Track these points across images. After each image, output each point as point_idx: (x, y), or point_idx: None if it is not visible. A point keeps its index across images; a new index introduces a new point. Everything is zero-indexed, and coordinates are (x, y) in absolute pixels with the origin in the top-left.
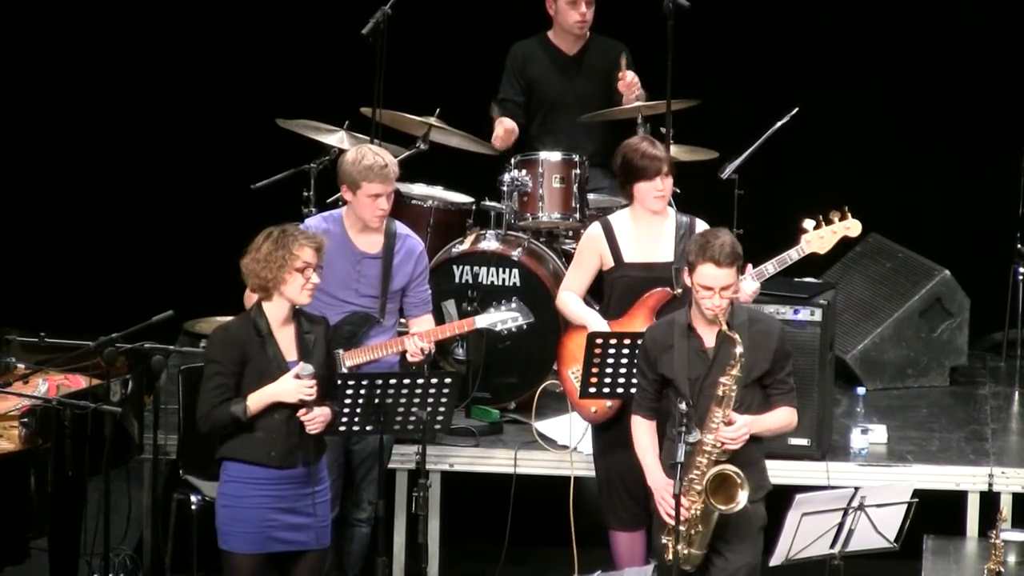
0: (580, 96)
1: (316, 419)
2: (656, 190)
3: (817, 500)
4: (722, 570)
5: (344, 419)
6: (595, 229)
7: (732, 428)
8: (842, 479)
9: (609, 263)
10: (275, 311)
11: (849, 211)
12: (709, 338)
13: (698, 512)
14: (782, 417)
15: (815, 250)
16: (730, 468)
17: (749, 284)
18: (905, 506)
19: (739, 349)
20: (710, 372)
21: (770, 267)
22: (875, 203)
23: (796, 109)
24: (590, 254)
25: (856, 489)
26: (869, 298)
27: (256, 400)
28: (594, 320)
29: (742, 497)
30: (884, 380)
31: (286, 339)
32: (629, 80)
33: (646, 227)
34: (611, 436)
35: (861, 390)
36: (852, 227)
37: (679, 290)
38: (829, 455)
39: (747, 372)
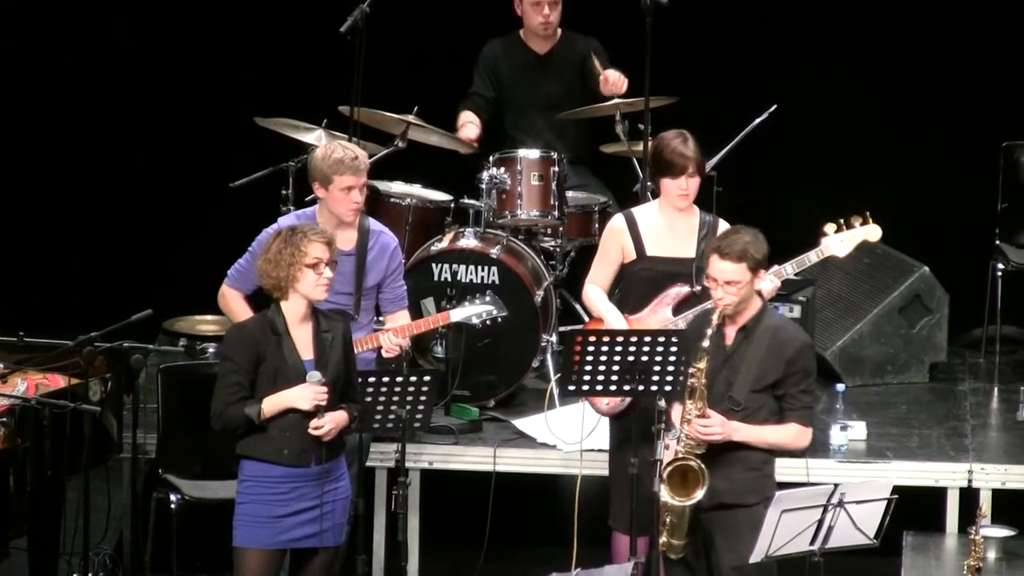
0: (551, 96)
1: (325, 426)
2: (680, 188)
3: (796, 497)
4: (717, 567)
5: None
6: (618, 221)
7: (703, 422)
8: (821, 476)
9: (631, 256)
10: (292, 309)
11: (870, 216)
12: (731, 335)
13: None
14: (784, 433)
15: (834, 253)
16: (693, 461)
17: (767, 283)
18: (885, 503)
19: (705, 343)
20: (723, 368)
21: (788, 267)
22: (853, 199)
23: (774, 106)
24: (612, 246)
25: (836, 486)
26: (848, 294)
27: (270, 405)
28: (614, 317)
29: (697, 494)
30: (863, 376)
31: (303, 338)
32: (613, 80)
33: (671, 222)
34: (629, 432)
35: (840, 386)
36: (872, 232)
37: (699, 287)
38: (808, 452)
39: (758, 377)
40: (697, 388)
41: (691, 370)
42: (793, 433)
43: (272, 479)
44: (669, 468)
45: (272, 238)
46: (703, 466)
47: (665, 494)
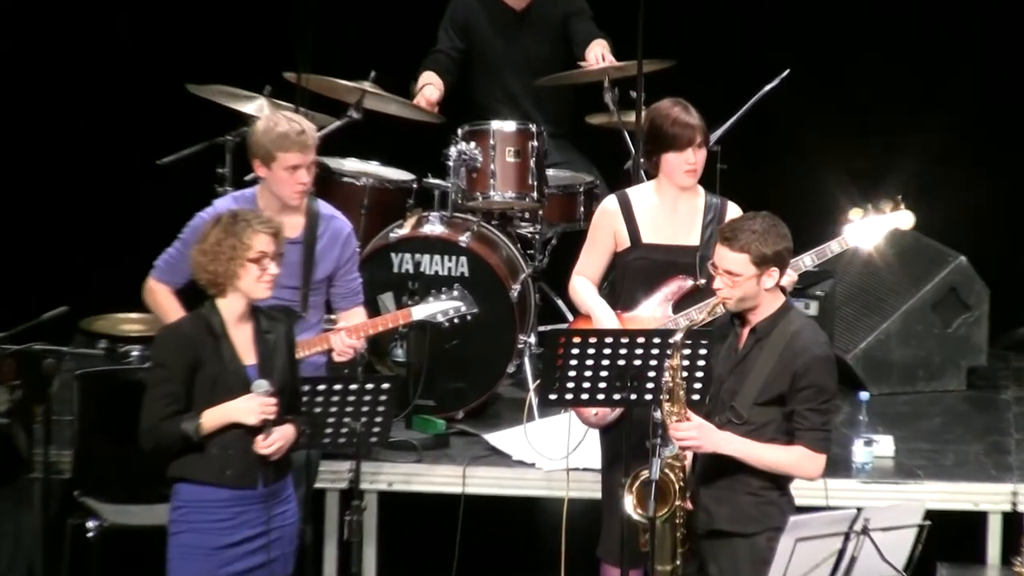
0: (529, 58)
1: (275, 443)
2: (687, 163)
3: (813, 523)
4: None
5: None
6: (610, 203)
7: (678, 425)
8: (842, 498)
9: (624, 243)
10: (230, 308)
11: (903, 201)
12: (745, 337)
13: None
14: (786, 457)
15: (859, 243)
16: (669, 475)
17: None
18: (916, 530)
19: (678, 336)
20: (730, 375)
21: (807, 259)
22: (879, 179)
23: (787, 71)
24: (604, 232)
25: (859, 510)
26: (873, 288)
27: (211, 419)
28: (603, 314)
29: (663, 512)
30: (890, 384)
31: (243, 340)
32: (603, 64)
33: (670, 205)
34: (621, 446)
35: (864, 395)
36: (903, 219)
37: (703, 280)
38: (827, 470)
39: (763, 389)
40: (673, 390)
41: (665, 367)
42: (796, 457)
43: (212, 504)
44: (638, 481)
45: (210, 225)
46: (677, 481)
47: (629, 508)
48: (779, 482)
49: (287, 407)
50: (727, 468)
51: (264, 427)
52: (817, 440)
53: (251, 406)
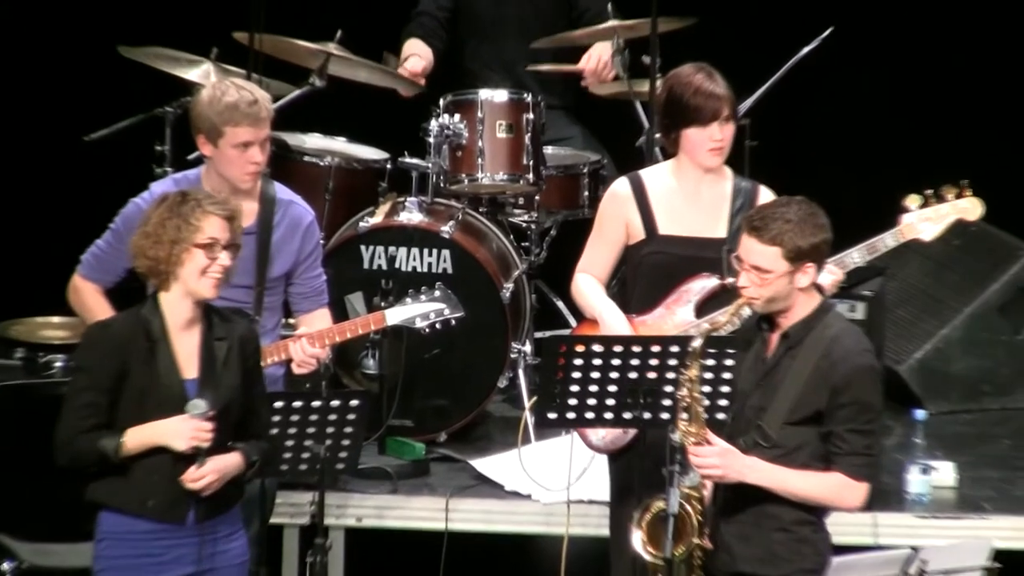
0: (526, 17)
1: (206, 477)
2: (712, 140)
3: (861, 566)
4: None
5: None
6: (621, 187)
7: (696, 450)
8: (895, 536)
9: (638, 234)
10: (175, 307)
11: (968, 188)
12: (775, 343)
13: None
14: (822, 485)
15: (918, 236)
16: (686, 507)
17: (826, 275)
18: (981, 573)
19: (697, 343)
20: (757, 388)
21: (855, 254)
22: (935, 158)
23: (829, 30)
24: (613, 222)
25: (914, 550)
26: (930, 288)
27: (135, 439)
28: (612, 318)
29: (680, 550)
30: (951, 400)
31: (187, 349)
32: (590, 70)
33: (692, 189)
34: (633, 474)
35: (920, 414)
36: (969, 208)
37: (730, 279)
38: (877, 503)
39: (795, 406)
40: (691, 407)
41: (683, 380)
42: (834, 486)
43: (136, 537)
44: (649, 514)
45: (154, 206)
46: (695, 514)
47: (639, 545)
48: (814, 516)
49: (237, 428)
50: (753, 499)
51: (196, 455)
52: (858, 466)
53: (181, 429)
